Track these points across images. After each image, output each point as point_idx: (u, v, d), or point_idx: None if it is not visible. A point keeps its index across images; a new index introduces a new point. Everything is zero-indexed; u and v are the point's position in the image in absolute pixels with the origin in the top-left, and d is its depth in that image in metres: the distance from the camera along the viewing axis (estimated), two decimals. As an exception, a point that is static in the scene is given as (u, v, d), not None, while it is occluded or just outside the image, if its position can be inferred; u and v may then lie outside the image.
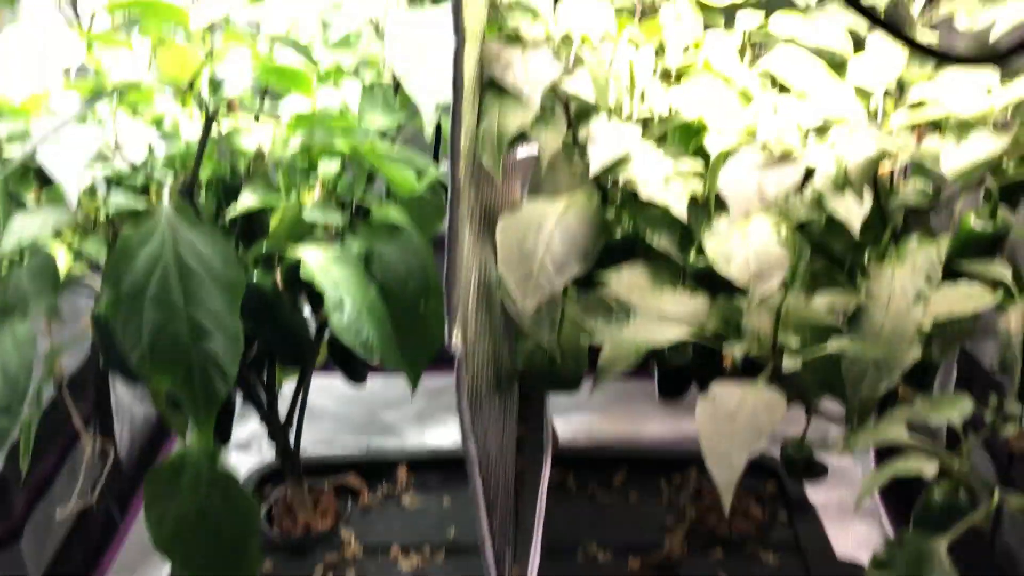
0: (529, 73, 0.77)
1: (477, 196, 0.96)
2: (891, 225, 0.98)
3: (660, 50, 1.08)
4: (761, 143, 0.78)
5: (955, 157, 0.76)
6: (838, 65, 1.08)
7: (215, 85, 0.68)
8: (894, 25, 0.44)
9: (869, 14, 0.43)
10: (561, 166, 1.03)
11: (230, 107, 0.72)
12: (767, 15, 1.14)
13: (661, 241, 0.93)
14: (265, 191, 0.88)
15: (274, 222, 0.96)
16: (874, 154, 0.79)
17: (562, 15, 0.92)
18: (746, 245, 0.80)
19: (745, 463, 0.70)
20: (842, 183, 0.81)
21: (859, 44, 1.13)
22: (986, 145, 0.76)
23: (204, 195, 0.93)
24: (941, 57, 0.46)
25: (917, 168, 0.95)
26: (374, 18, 1.01)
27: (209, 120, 0.72)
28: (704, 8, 1.13)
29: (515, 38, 0.86)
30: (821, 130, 0.90)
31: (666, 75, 1.07)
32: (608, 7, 0.94)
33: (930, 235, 1.03)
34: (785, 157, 0.76)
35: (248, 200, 0.86)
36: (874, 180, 0.98)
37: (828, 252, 1.03)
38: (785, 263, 0.80)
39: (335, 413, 1.50)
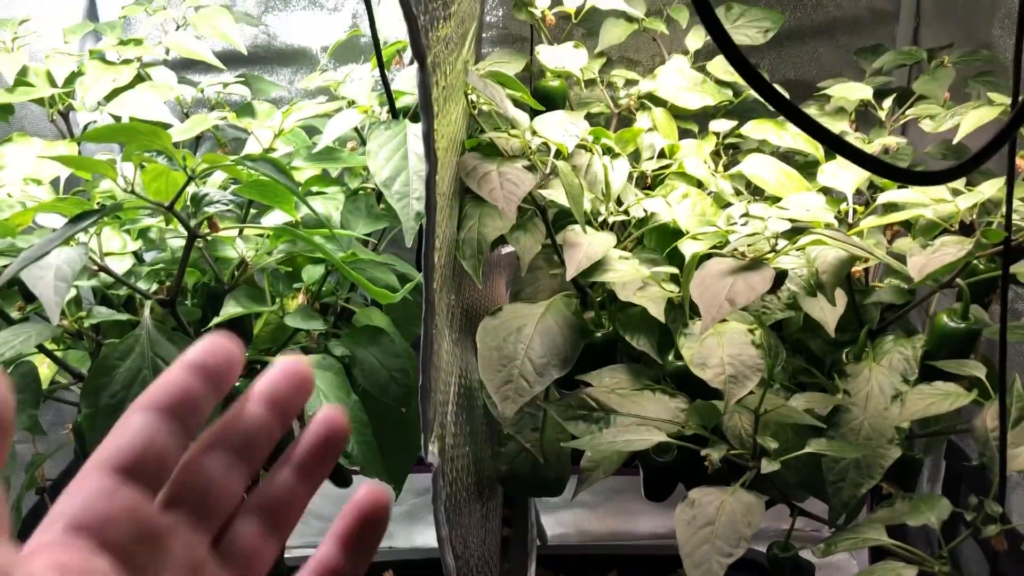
0: (505, 186, 0.79)
1: (458, 298, 0.97)
2: (867, 324, 1.00)
3: (636, 156, 1.12)
4: (732, 249, 0.80)
5: (922, 262, 0.78)
6: (811, 164, 1.11)
7: (197, 202, 0.70)
8: (849, 146, 0.46)
9: (826, 137, 0.45)
10: (541, 268, 1.05)
11: (211, 224, 0.74)
12: (739, 120, 1.18)
13: (640, 342, 0.94)
14: (248, 298, 0.89)
15: (257, 328, 0.97)
16: (845, 259, 0.81)
17: (539, 125, 0.95)
18: (721, 349, 0.81)
19: (724, 570, 0.70)
20: (814, 287, 0.83)
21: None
22: (951, 250, 0.78)
23: (189, 301, 0.94)
24: (894, 174, 0.48)
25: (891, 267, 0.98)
26: (360, 125, 1.04)
27: (192, 236, 0.73)
28: (677, 113, 1.17)
29: (493, 150, 0.89)
30: (794, 232, 0.92)
31: (642, 179, 1.10)
32: (581, 120, 0.97)
33: (908, 330, 1.05)
34: (756, 263, 0.77)
35: (231, 308, 0.87)
36: (848, 279, 1.00)
37: (806, 350, 1.05)
38: (761, 366, 0.81)
39: (320, 513, 1.48)
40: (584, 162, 1.00)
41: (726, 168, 1.16)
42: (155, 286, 0.83)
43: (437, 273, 0.66)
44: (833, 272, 0.83)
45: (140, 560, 0.28)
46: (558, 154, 0.92)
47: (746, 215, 0.91)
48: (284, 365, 0.32)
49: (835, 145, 0.50)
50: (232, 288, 0.87)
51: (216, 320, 0.88)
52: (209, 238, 0.76)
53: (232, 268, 0.92)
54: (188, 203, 0.70)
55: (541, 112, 0.99)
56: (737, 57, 0.47)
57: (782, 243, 0.80)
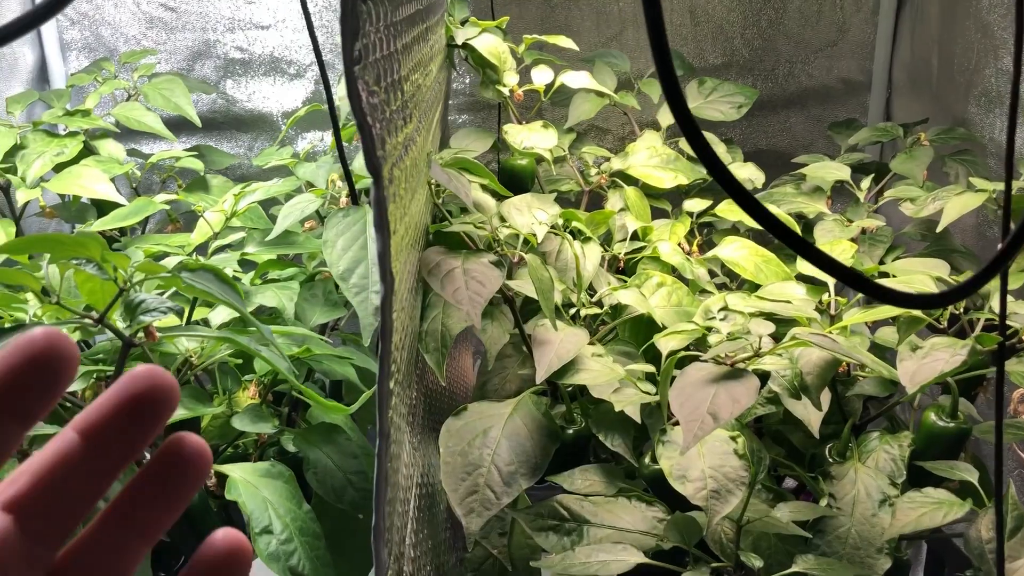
0: (470, 286, 0.74)
1: (420, 388, 0.91)
2: (850, 417, 0.95)
3: (608, 237, 1.07)
4: (712, 355, 0.75)
5: (913, 368, 0.74)
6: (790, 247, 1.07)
7: (132, 310, 0.64)
8: (824, 257, 0.41)
9: (795, 242, 0.40)
10: (509, 357, 1.00)
11: (148, 333, 0.68)
12: (714, 198, 1.15)
13: (615, 442, 0.89)
14: (192, 399, 0.82)
15: (204, 423, 0.90)
16: (830, 360, 0.76)
17: (507, 211, 0.90)
18: (702, 460, 0.76)
19: None
20: (798, 389, 0.78)
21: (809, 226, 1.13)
22: (943, 356, 0.74)
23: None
24: (873, 291, 0.44)
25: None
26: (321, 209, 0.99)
27: (127, 345, 0.67)
28: (649, 191, 1.12)
29: (458, 239, 0.83)
30: (776, 325, 0.88)
31: (615, 262, 1.05)
32: (551, 204, 0.92)
33: (892, 420, 1.00)
34: (739, 372, 0.72)
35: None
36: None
37: (786, 442, 1.00)
38: (745, 477, 0.75)
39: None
40: (555, 247, 0.95)
41: (701, 250, 1.12)
42: (89, 392, 0.76)
43: (394, 399, 0.60)
44: (818, 374, 0.78)
45: None
46: (527, 242, 0.87)
47: (724, 308, 0.86)
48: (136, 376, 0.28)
49: (805, 253, 0.45)
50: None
51: (157, 424, 0.81)
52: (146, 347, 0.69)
53: (176, 365, 0.85)
54: (123, 310, 0.64)
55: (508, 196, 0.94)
56: (704, 152, 0.42)
57: (766, 344, 0.76)
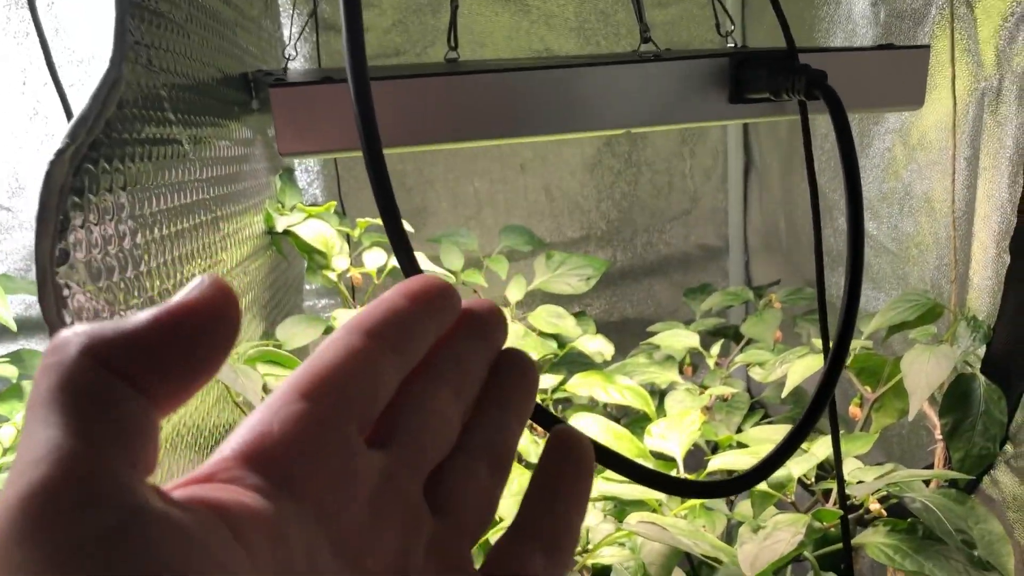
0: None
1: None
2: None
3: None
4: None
5: (754, 552, 0.68)
6: (643, 419, 1.03)
7: None
8: (624, 462, 0.36)
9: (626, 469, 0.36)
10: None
11: None
12: (566, 373, 1.10)
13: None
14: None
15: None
16: (671, 549, 0.70)
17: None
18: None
19: None
20: (642, 583, 0.71)
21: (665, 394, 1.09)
22: (784, 536, 0.68)
23: None
24: (671, 487, 0.39)
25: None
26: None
27: None
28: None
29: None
30: (625, 510, 0.82)
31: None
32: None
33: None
34: (563, 572, 0.65)
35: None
36: (689, 559, 0.89)
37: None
38: None
39: None
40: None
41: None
42: None
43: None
44: (662, 564, 0.71)
45: (332, 506, 0.21)
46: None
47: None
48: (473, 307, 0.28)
49: (605, 460, 0.40)
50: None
51: None
52: None
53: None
54: None
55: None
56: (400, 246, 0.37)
57: (597, 536, 0.69)
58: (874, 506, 0.75)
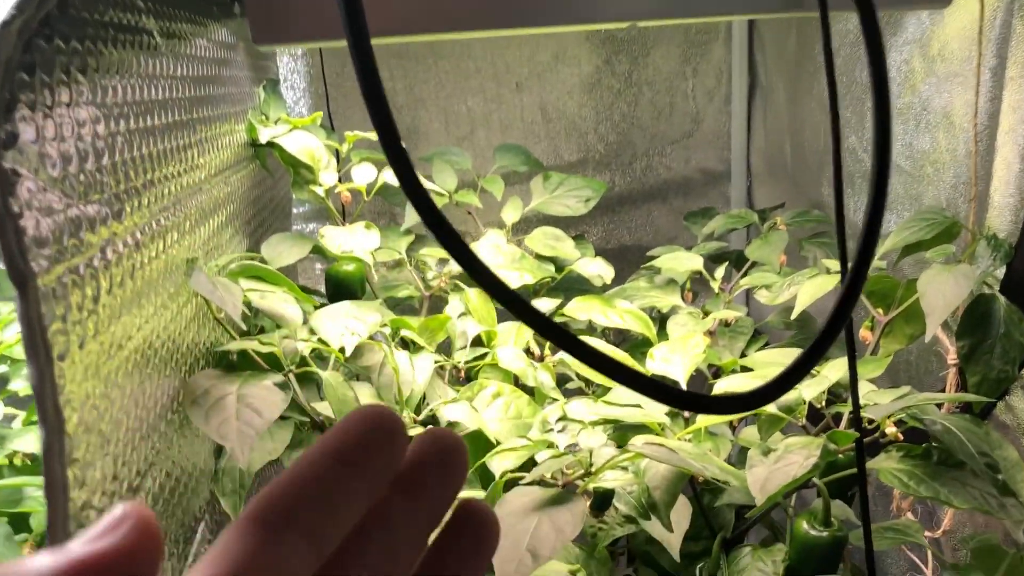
0: (242, 415, 0.62)
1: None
2: (720, 531, 0.85)
3: (449, 346, 0.97)
4: (535, 476, 0.64)
5: (764, 476, 0.65)
6: (644, 343, 0.99)
7: None
8: (625, 370, 0.31)
9: (591, 357, 0.32)
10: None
11: None
12: (564, 296, 1.06)
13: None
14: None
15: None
16: (675, 473, 0.66)
17: (318, 322, 0.79)
18: (536, 602, 0.64)
19: None
20: (646, 507, 0.68)
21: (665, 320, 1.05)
22: (797, 459, 0.65)
23: None
24: (678, 401, 0.34)
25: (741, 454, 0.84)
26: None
27: None
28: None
29: (248, 361, 0.72)
30: (627, 434, 0.78)
31: (456, 372, 0.95)
32: (372, 312, 0.82)
33: (772, 528, 0.91)
34: (565, 495, 0.62)
35: None
36: (692, 482, 0.86)
37: (655, 564, 0.89)
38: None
39: None
40: (377, 361, 0.84)
41: (554, 351, 1.03)
42: None
43: None
44: (666, 489, 0.68)
45: None
46: (338, 357, 0.76)
47: (563, 418, 0.76)
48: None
49: (605, 368, 0.36)
50: None
51: None
52: None
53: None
54: None
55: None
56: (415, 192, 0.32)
57: (601, 458, 0.65)
58: (890, 430, 0.71)
